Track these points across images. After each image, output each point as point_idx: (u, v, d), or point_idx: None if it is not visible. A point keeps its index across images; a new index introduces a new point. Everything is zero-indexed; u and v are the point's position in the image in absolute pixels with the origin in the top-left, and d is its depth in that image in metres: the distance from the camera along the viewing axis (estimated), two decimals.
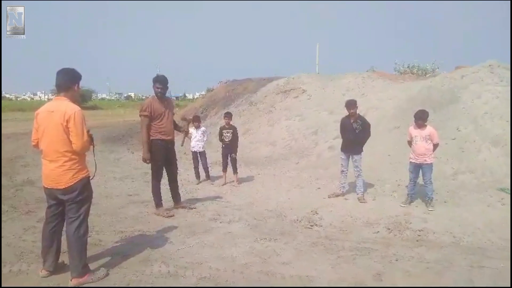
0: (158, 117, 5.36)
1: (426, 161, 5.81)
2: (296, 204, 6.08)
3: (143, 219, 5.35)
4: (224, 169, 7.66)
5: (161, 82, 5.40)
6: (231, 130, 7.50)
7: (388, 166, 7.86)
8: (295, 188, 7.18)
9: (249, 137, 11.93)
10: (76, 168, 3.35)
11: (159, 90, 5.39)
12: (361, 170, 6.33)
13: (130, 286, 3.39)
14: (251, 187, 7.35)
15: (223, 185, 7.54)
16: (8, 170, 8.60)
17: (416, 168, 5.94)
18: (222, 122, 8.14)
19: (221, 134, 7.60)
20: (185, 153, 9.67)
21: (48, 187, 3.38)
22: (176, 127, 5.76)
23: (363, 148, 6.41)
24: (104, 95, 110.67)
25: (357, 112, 6.40)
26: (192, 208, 5.84)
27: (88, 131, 3.42)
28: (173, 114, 5.72)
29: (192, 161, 8.13)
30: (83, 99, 43.32)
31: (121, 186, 7.36)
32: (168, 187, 5.85)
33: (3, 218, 5.14)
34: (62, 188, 3.32)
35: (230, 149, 7.53)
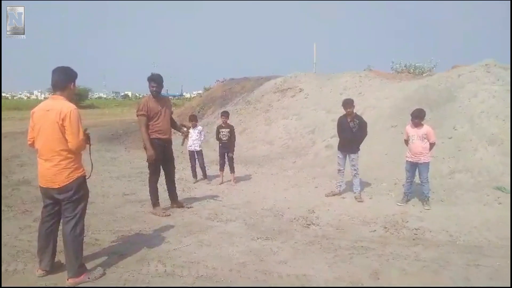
0: (155, 116, 5.34)
1: (422, 160, 5.82)
2: (293, 203, 6.09)
3: (139, 218, 5.34)
4: (221, 168, 7.65)
5: (155, 80, 5.38)
6: (228, 129, 7.49)
7: (385, 165, 7.88)
8: (292, 187, 7.18)
9: (246, 136, 11.92)
10: (72, 167, 3.33)
11: (154, 88, 5.37)
12: (358, 169, 6.34)
13: (126, 285, 3.39)
14: (248, 186, 7.35)
15: (220, 184, 7.53)
16: (4, 169, 8.55)
17: (413, 167, 5.96)
18: (219, 121, 8.13)
19: (218, 133, 7.59)
20: (182, 152, 9.65)
21: (44, 186, 3.36)
22: (175, 126, 5.74)
23: (360, 147, 6.42)
24: (101, 94, 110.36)
25: (354, 111, 6.40)
26: (189, 207, 5.83)
27: (85, 130, 3.41)
28: (171, 112, 5.70)
29: (189, 160, 8.12)
30: (79, 98, 43.10)
31: (118, 185, 7.34)
32: (165, 186, 5.84)
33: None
34: (57, 187, 3.30)
35: (227, 148, 7.52)
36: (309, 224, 5.09)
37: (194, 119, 8.06)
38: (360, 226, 5.06)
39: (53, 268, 3.53)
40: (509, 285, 3.46)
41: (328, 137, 9.95)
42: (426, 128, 5.85)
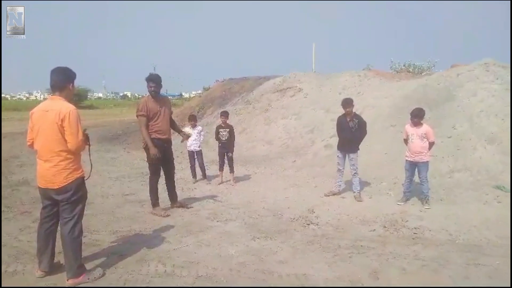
0: (154, 116, 5.34)
1: (422, 159, 5.83)
2: (293, 203, 6.09)
3: (139, 218, 5.34)
4: (221, 168, 7.65)
5: (154, 80, 5.37)
6: (228, 129, 7.49)
7: (384, 164, 7.88)
8: (291, 187, 7.18)
9: (245, 136, 11.92)
10: (70, 168, 3.33)
11: (152, 88, 5.36)
12: (357, 168, 6.34)
13: (126, 285, 3.39)
14: (247, 186, 7.35)
15: (220, 184, 7.53)
16: (4, 170, 8.55)
17: (412, 166, 5.96)
18: (219, 121, 8.13)
19: (217, 133, 7.59)
20: (181, 152, 9.65)
21: (43, 187, 3.36)
22: (175, 127, 5.74)
23: (360, 146, 6.42)
24: (100, 94, 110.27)
25: (353, 111, 6.40)
26: (188, 207, 5.83)
27: (84, 130, 3.41)
28: (171, 112, 5.70)
29: (188, 160, 8.11)
30: (79, 98, 43.03)
31: (117, 186, 7.34)
32: (165, 186, 5.84)
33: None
34: (56, 188, 3.30)
35: (226, 148, 7.52)
36: (309, 224, 5.09)
37: (193, 119, 8.06)
38: (360, 225, 5.06)
39: (53, 269, 3.53)
40: (509, 285, 3.46)
41: (328, 136, 9.95)
42: (425, 128, 5.85)
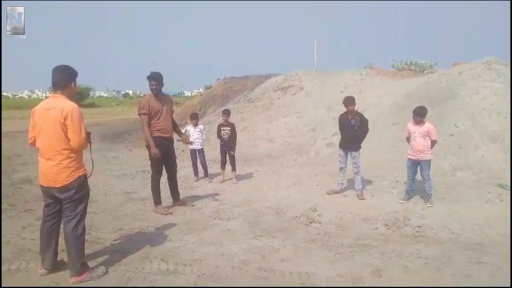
0: (156, 114, 5.33)
1: (424, 157, 5.82)
2: (295, 201, 6.09)
3: (141, 216, 5.35)
4: (223, 166, 7.65)
5: (155, 78, 5.37)
6: (230, 127, 7.49)
7: (386, 162, 7.87)
8: (293, 185, 7.18)
9: (247, 134, 11.92)
10: (73, 166, 3.33)
11: (154, 87, 5.36)
12: (359, 166, 6.33)
13: (129, 283, 3.39)
14: (249, 184, 7.35)
15: (222, 182, 7.54)
16: (7, 168, 8.58)
17: (414, 164, 5.95)
18: (220, 120, 8.13)
19: (219, 131, 7.59)
20: (183, 150, 9.66)
21: (45, 185, 3.36)
22: (175, 128, 5.73)
23: (362, 145, 6.41)
24: (102, 93, 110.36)
25: (355, 109, 6.40)
26: (191, 206, 5.84)
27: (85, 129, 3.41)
28: (172, 111, 5.70)
29: (190, 158, 8.12)
30: (81, 97, 43.04)
31: (120, 184, 7.35)
32: (167, 185, 5.85)
33: (2, 216, 5.13)
34: (59, 186, 3.30)
35: (228, 146, 7.52)
36: (311, 222, 5.09)
37: (195, 118, 8.07)
38: (362, 223, 5.06)
39: (56, 266, 3.54)
40: (509, 285, 3.45)
41: (329, 135, 9.95)
42: (427, 126, 5.84)
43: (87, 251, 3.63)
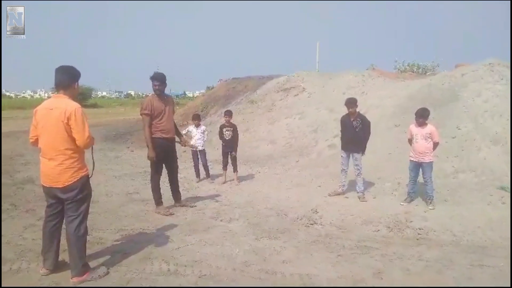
0: (158, 115, 5.34)
1: (426, 159, 5.80)
2: (296, 203, 6.08)
3: (143, 217, 5.35)
4: (224, 168, 7.65)
5: (158, 79, 5.38)
6: (231, 128, 7.50)
7: (388, 164, 7.85)
8: (295, 187, 7.18)
9: (249, 135, 11.92)
10: (75, 167, 3.33)
11: (157, 87, 5.37)
12: (361, 168, 6.33)
13: (130, 284, 3.40)
14: (251, 186, 7.35)
15: (223, 183, 7.54)
16: (9, 168, 8.59)
17: (416, 166, 5.94)
18: (222, 120, 8.14)
19: (221, 132, 7.59)
20: (185, 151, 9.67)
21: (47, 185, 3.37)
22: (175, 130, 5.73)
23: (366, 147, 6.38)
24: (104, 93, 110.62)
25: (357, 111, 6.39)
26: (192, 207, 5.84)
27: None
28: (174, 112, 5.70)
29: (192, 159, 8.12)
30: (83, 97, 43.08)
31: (121, 184, 7.36)
32: (168, 185, 5.85)
33: (3, 216, 5.14)
34: (61, 186, 3.30)
35: (230, 147, 7.52)
36: (312, 224, 5.09)
37: (197, 119, 8.08)
38: (364, 225, 5.05)
39: (57, 267, 3.54)
40: (510, 286, 3.44)
41: (331, 136, 9.93)
42: (430, 128, 5.83)
43: (88, 252, 3.63)
